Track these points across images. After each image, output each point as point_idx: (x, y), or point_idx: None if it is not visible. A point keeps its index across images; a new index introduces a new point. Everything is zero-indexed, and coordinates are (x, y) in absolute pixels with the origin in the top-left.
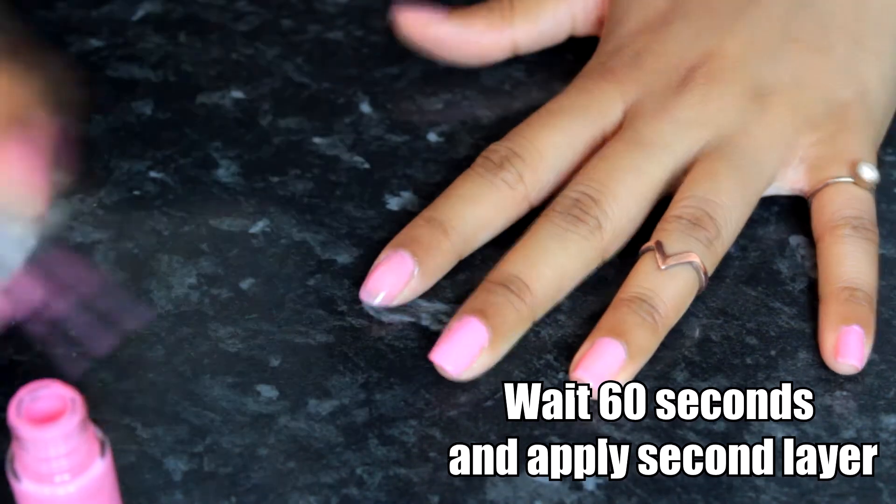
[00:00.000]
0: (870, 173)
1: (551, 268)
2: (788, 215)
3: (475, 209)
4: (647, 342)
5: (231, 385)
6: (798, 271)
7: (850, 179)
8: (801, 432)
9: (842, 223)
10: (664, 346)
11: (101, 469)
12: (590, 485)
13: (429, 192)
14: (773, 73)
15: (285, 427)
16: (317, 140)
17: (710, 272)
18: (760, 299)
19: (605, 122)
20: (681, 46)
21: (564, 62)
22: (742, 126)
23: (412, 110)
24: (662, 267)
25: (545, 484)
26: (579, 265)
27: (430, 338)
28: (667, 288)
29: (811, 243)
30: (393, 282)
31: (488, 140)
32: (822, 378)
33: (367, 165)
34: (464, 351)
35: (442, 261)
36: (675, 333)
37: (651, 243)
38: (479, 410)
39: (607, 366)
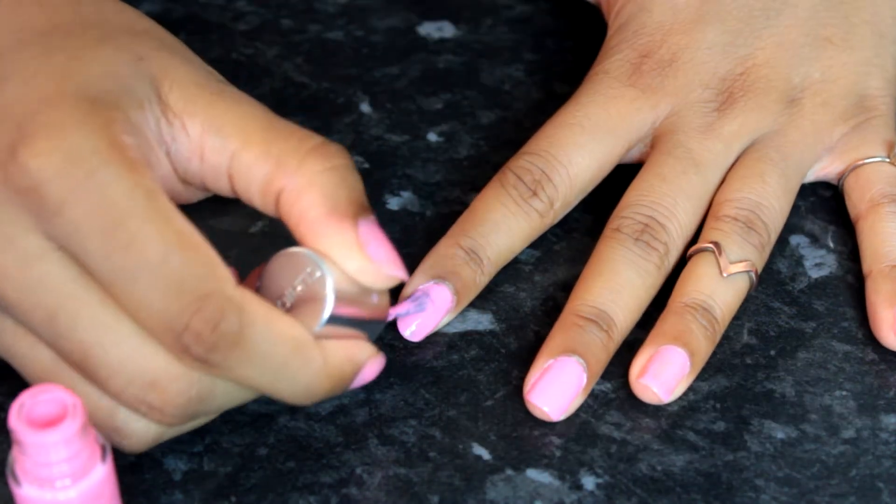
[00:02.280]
0: None
1: (634, 299)
2: (788, 215)
3: (507, 241)
4: (706, 351)
5: None
6: (798, 271)
7: (886, 159)
8: (800, 432)
9: (884, 201)
10: None
11: (102, 474)
12: (590, 485)
13: (429, 192)
14: (806, 75)
15: (285, 427)
16: None
17: (759, 274)
18: (760, 299)
19: (632, 138)
20: (715, 55)
21: (564, 62)
22: (778, 128)
23: (412, 110)
24: (725, 275)
25: (545, 484)
26: (652, 293)
27: (430, 337)
28: (727, 295)
29: (811, 243)
30: (431, 317)
31: (488, 140)
32: (821, 378)
33: (367, 165)
34: (563, 392)
35: (475, 293)
36: None
37: (707, 244)
38: (478, 410)
39: (674, 374)
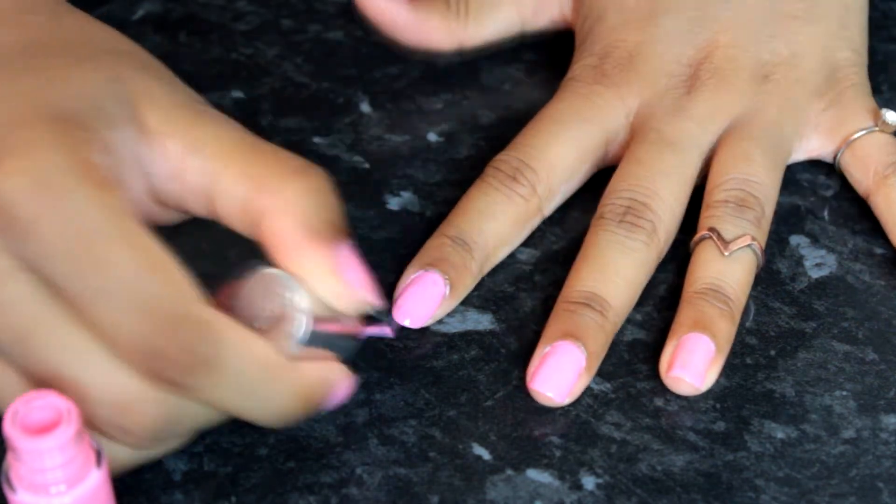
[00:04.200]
0: (893, 116)
1: (623, 279)
2: (788, 215)
3: (494, 225)
4: (729, 332)
5: None
6: (798, 271)
7: (875, 128)
8: (800, 432)
9: (888, 171)
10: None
11: (97, 479)
12: (590, 485)
13: (429, 192)
14: (772, 52)
15: (285, 427)
16: (317, 140)
17: (763, 248)
18: (760, 299)
19: (607, 129)
20: (675, 45)
21: (564, 62)
22: (755, 108)
23: (412, 110)
24: (726, 254)
25: (545, 484)
26: (644, 271)
27: (430, 337)
28: (734, 273)
29: (811, 243)
30: (425, 304)
31: (488, 140)
32: (821, 378)
33: (366, 165)
34: (564, 376)
35: (470, 281)
36: None
37: (705, 232)
38: (478, 410)
39: (701, 359)
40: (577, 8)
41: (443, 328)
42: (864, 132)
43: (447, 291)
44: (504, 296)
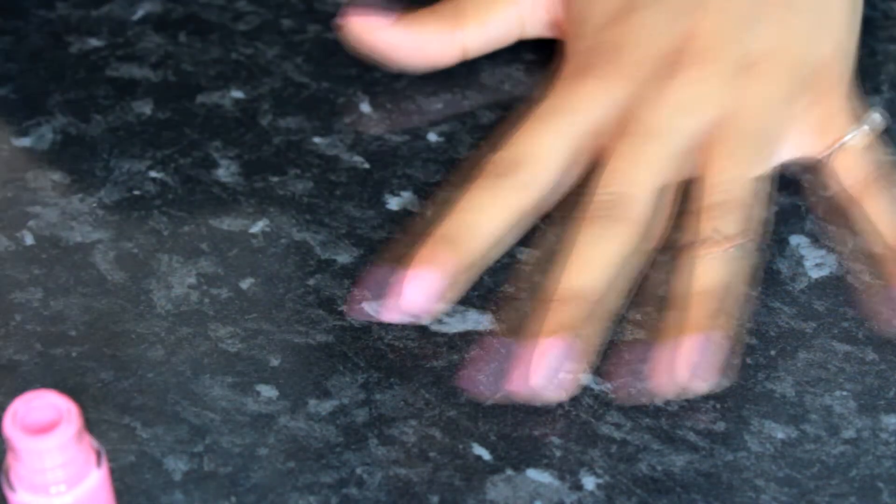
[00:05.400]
0: (880, 121)
1: (596, 261)
2: (788, 215)
3: (481, 218)
4: (727, 325)
5: (231, 385)
6: (798, 271)
7: (860, 131)
8: (800, 432)
9: (872, 179)
10: None
11: (97, 479)
12: (590, 485)
13: (429, 192)
14: (755, 42)
15: (285, 427)
16: (316, 140)
17: (756, 245)
18: (760, 299)
19: (594, 119)
20: (656, 33)
21: None
22: (739, 100)
23: (412, 110)
24: (712, 255)
25: (545, 484)
26: (619, 246)
27: (430, 338)
28: (718, 274)
29: (811, 243)
30: (417, 297)
31: (488, 140)
32: (821, 378)
33: (366, 165)
34: (554, 373)
35: (458, 274)
36: None
37: (691, 237)
38: (478, 410)
39: (708, 359)
40: (567, 11)
41: (443, 328)
42: (849, 136)
43: (437, 285)
44: (504, 296)
